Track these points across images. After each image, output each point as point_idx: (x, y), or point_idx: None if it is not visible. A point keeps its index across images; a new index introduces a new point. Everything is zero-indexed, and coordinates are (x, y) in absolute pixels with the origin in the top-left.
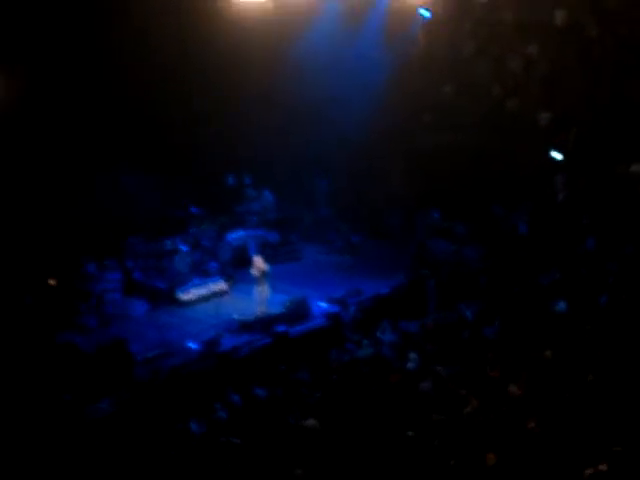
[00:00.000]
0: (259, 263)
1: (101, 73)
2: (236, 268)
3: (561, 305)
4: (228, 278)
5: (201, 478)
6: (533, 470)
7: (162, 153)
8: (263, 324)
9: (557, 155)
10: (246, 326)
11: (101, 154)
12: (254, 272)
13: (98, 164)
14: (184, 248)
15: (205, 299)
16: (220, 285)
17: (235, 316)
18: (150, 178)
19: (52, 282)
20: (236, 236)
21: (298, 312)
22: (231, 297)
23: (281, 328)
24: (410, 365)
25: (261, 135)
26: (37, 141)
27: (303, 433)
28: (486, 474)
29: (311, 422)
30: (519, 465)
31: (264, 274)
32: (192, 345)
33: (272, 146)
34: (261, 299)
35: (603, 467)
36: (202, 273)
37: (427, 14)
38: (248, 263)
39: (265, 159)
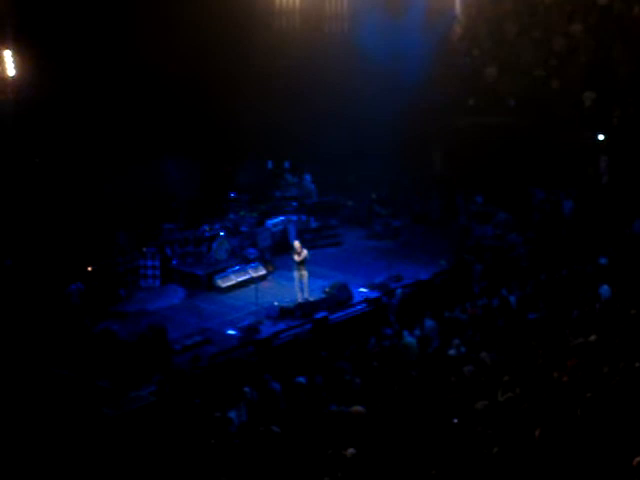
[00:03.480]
0: (299, 248)
1: (145, 58)
2: (275, 254)
3: (605, 290)
4: (267, 264)
5: (241, 467)
6: (580, 456)
7: (202, 138)
8: (303, 310)
9: (601, 136)
10: (286, 312)
11: (142, 140)
12: (294, 257)
13: (139, 150)
14: (222, 234)
15: (244, 285)
16: (259, 271)
17: (275, 302)
18: (190, 163)
19: (90, 269)
20: (275, 221)
21: (338, 298)
22: (270, 283)
23: (321, 314)
24: (452, 351)
25: (302, 120)
26: (80, 127)
27: (348, 419)
28: (528, 461)
29: (356, 408)
30: (565, 451)
31: (304, 259)
32: (231, 332)
33: (313, 131)
34: (301, 285)
35: None
36: (241, 259)
37: None
38: (288, 249)
39: (306, 144)
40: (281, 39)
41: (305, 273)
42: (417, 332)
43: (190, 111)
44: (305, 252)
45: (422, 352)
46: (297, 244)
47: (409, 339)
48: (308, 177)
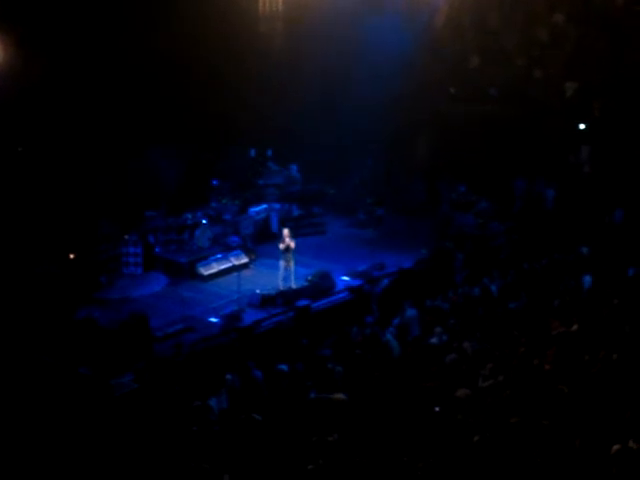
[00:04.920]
0: (287, 237)
1: (129, 47)
2: (258, 242)
3: (587, 279)
4: (249, 252)
5: (222, 454)
6: (559, 444)
7: (185, 126)
8: (285, 298)
9: (582, 125)
10: (268, 300)
11: (125, 128)
12: (281, 246)
13: (122, 138)
14: (205, 222)
15: (226, 273)
16: (241, 259)
17: (257, 290)
18: (173, 151)
19: (72, 256)
20: (258, 209)
21: (321, 286)
22: (253, 271)
23: (303, 302)
24: (434, 339)
25: (286, 108)
26: (63, 115)
27: (330, 407)
28: (510, 449)
29: (338, 396)
30: (544, 437)
31: (289, 248)
32: (213, 320)
33: (298, 120)
34: (285, 273)
35: (632, 445)
36: (223, 247)
37: None
38: (270, 237)
39: (290, 133)
40: (264, 28)
41: (289, 261)
42: (397, 321)
43: (174, 99)
44: (292, 240)
45: (403, 340)
46: (286, 232)
47: (389, 337)
48: (294, 167)
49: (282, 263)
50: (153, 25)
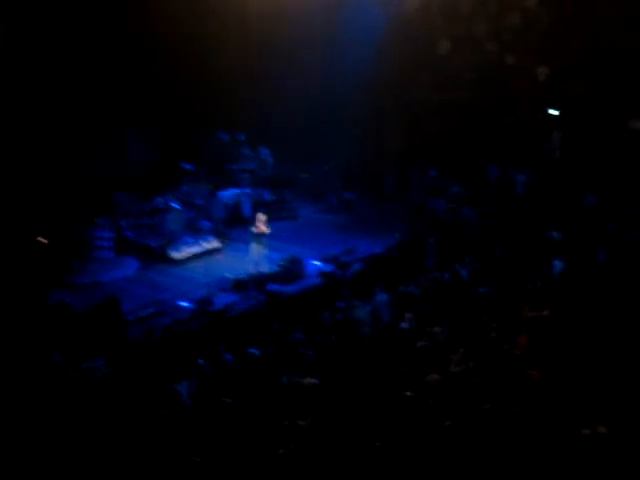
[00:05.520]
0: (260, 222)
1: (100, 25)
2: (229, 226)
3: (558, 264)
4: (221, 236)
5: (194, 438)
6: (529, 428)
7: (156, 106)
8: (256, 283)
9: (554, 112)
10: (239, 285)
11: (97, 110)
12: (254, 230)
13: (94, 120)
14: (176, 206)
15: (197, 258)
16: (213, 243)
17: (228, 275)
18: (143, 133)
19: (42, 240)
20: (229, 194)
21: (292, 271)
22: (224, 255)
23: (275, 287)
24: (405, 325)
25: (258, 91)
26: (35, 96)
27: (301, 391)
28: (481, 434)
29: (309, 380)
30: (514, 422)
31: (263, 233)
32: (184, 304)
33: (269, 103)
34: (255, 257)
35: (602, 429)
36: (194, 231)
37: None
38: (242, 221)
39: (262, 116)
40: (239, 8)
41: (260, 246)
42: (368, 307)
43: (145, 81)
44: (266, 225)
45: (374, 325)
46: (261, 216)
47: (361, 312)
48: (266, 151)
49: (254, 247)
50: (133, 5)
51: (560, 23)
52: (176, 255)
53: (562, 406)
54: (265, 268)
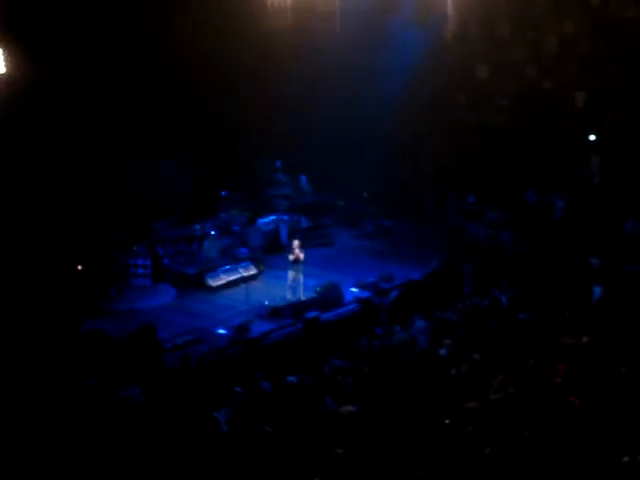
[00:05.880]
0: (296, 248)
1: (134, 55)
2: (266, 253)
3: (597, 290)
4: (258, 263)
5: (231, 467)
6: (570, 456)
7: (194, 137)
8: (294, 310)
9: (592, 136)
10: (276, 312)
11: (134, 138)
12: (290, 257)
13: (131, 148)
14: (214, 233)
15: (235, 285)
16: (250, 270)
17: (265, 302)
18: (182, 162)
19: (80, 267)
20: (267, 221)
21: (329, 298)
22: (261, 282)
23: (312, 314)
24: (443, 351)
25: (294, 119)
26: (73, 125)
27: (339, 419)
28: (521, 461)
29: (347, 408)
30: (556, 450)
31: (298, 259)
32: (222, 331)
33: (304, 130)
34: (292, 284)
35: None
36: (232, 258)
37: None
38: (279, 248)
39: (297, 143)
40: (272, 39)
41: (297, 273)
42: (406, 334)
43: (182, 109)
44: (302, 252)
45: (412, 352)
46: (296, 243)
47: (402, 335)
48: (304, 178)
49: (290, 274)
50: (167, 34)
51: (598, 48)
52: (213, 282)
53: (602, 433)
54: (302, 295)
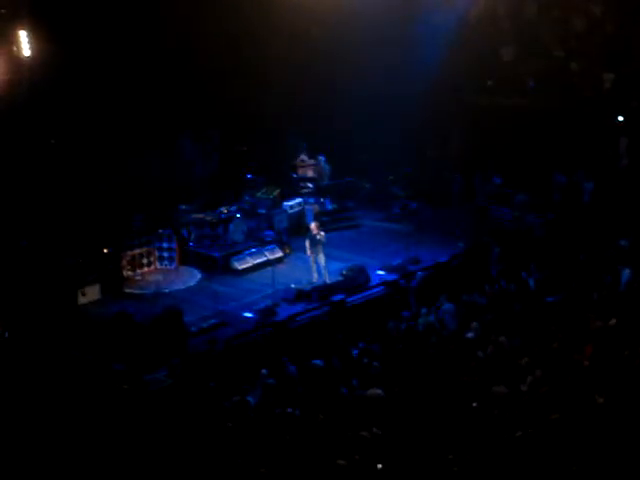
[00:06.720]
0: (316, 230)
1: (162, 38)
2: (292, 236)
3: (626, 273)
4: (284, 246)
5: (257, 449)
6: (597, 441)
7: (219, 120)
8: (320, 293)
9: (620, 117)
10: (303, 295)
11: (159, 120)
12: (310, 239)
13: (155, 131)
14: (239, 216)
15: (260, 268)
16: (276, 253)
17: (292, 285)
18: (207, 145)
19: (106, 250)
20: (292, 203)
21: (356, 280)
22: (287, 265)
23: (338, 297)
24: (471, 334)
25: (319, 100)
26: (97, 107)
27: (365, 402)
28: (549, 445)
29: (374, 391)
30: (583, 436)
31: (320, 241)
32: (248, 315)
33: (329, 111)
34: (318, 267)
35: None
36: (258, 241)
37: None
38: (305, 231)
39: (323, 125)
40: (296, 19)
41: (322, 255)
42: (433, 316)
43: (207, 92)
44: (323, 234)
45: (439, 335)
46: (315, 226)
47: (431, 318)
48: (323, 158)
49: (318, 257)
50: (191, 13)
51: (625, 28)
52: (239, 265)
53: (630, 416)
54: (328, 278)
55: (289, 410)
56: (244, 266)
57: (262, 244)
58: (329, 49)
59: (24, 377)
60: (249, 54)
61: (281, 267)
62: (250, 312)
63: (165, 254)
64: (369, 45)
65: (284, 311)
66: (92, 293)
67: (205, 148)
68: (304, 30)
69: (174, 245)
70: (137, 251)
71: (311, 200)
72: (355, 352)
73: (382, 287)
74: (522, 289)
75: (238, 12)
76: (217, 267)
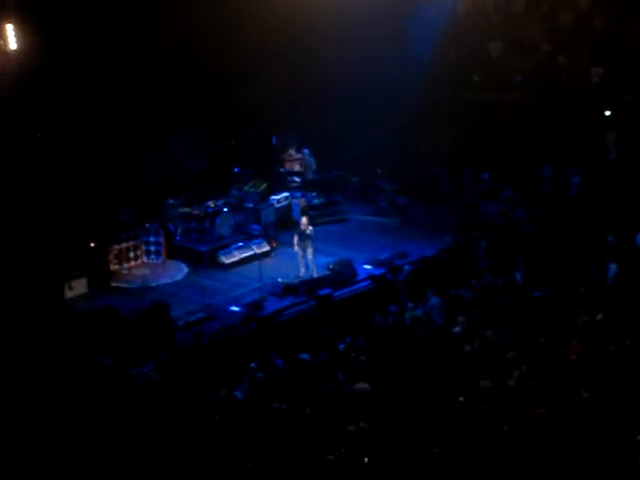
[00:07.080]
0: (305, 225)
1: (150, 32)
2: (279, 230)
3: (613, 267)
4: (271, 240)
5: (244, 444)
6: (583, 435)
7: (206, 114)
8: (307, 287)
9: (608, 112)
10: (290, 289)
11: (146, 115)
12: (299, 234)
13: (142, 125)
14: (226, 210)
15: (247, 262)
16: (263, 247)
17: (278, 279)
18: (194, 139)
19: (93, 244)
20: (279, 197)
21: (343, 274)
22: (274, 259)
23: (325, 291)
24: (457, 328)
25: (307, 95)
26: (83, 101)
27: (352, 396)
28: (535, 439)
29: (361, 385)
30: (570, 429)
31: (309, 236)
32: (235, 309)
33: (317, 105)
34: (305, 262)
35: None
36: (245, 235)
37: None
38: (292, 225)
39: (310, 119)
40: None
41: (310, 249)
42: (420, 310)
43: (194, 86)
44: (310, 228)
45: (426, 329)
46: (303, 220)
47: (418, 312)
48: (307, 151)
49: (305, 251)
50: (180, 8)
51: (614, 23)
52: (226, 259)
53: (617, 411)
54: (316, 272)
55: (275, 405)
56: (231, 260)
57: (249, 238)
58: (318, 44)
59: (10, 371)
60: (239, 49)
61: (268, 261)
62: (237, 306)
63: (152, 248)
64: (358, 40)
65: (271, 305)
66: (79, 287)
67: (198, 143)
68: (294, 26)
69: (161, 239)
70: (124, 245)
71: (298, 194)
72: (342, 346)
73: (369, 281)
74: (509, 283)
75: (230, 8)
76: (204, 261)
